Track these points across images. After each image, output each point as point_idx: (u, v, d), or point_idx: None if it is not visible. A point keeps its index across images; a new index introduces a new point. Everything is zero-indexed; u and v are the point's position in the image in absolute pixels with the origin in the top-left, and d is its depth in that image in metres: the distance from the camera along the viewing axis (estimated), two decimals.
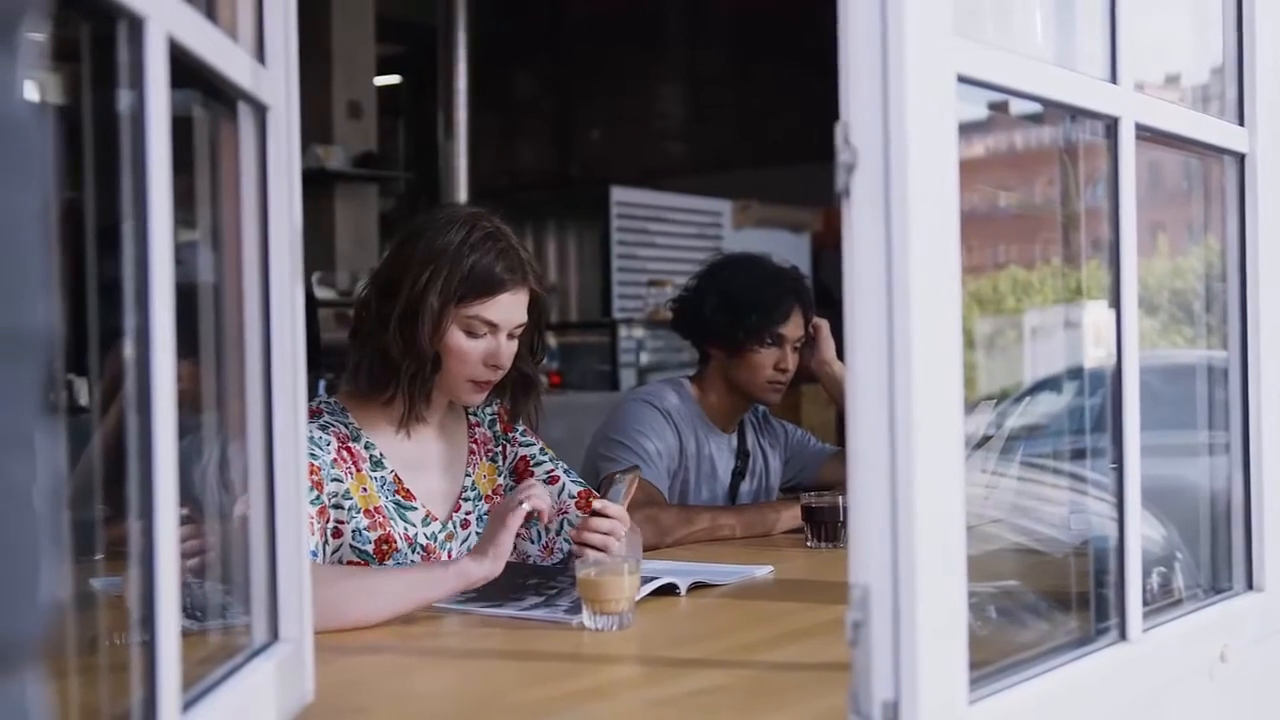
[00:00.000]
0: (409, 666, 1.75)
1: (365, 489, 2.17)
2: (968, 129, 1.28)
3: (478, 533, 2.29)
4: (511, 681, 1.65)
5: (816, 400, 6.37)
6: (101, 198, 1.05)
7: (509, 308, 2.20)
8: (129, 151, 1.00)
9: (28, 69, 0.59)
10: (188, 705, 1.08)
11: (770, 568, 2.36)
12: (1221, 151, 1.78)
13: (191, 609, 1.30)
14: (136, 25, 0.99)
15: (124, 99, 1.01)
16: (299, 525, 1.39)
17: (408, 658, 1.79)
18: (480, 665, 1.75)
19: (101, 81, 1.05)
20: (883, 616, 1.17)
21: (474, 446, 2.36)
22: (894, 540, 1.17)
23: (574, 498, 2.33)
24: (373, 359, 2.19)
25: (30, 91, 0.60)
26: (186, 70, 1.11)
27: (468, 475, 2.33)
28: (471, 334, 2.18)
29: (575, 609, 1.91)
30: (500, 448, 2.39)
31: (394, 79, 9.98)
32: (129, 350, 1.00)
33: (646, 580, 2.03)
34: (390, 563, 2.16)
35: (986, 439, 2.10)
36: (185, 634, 1.06)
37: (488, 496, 2.34)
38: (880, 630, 1.17)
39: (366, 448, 2.21)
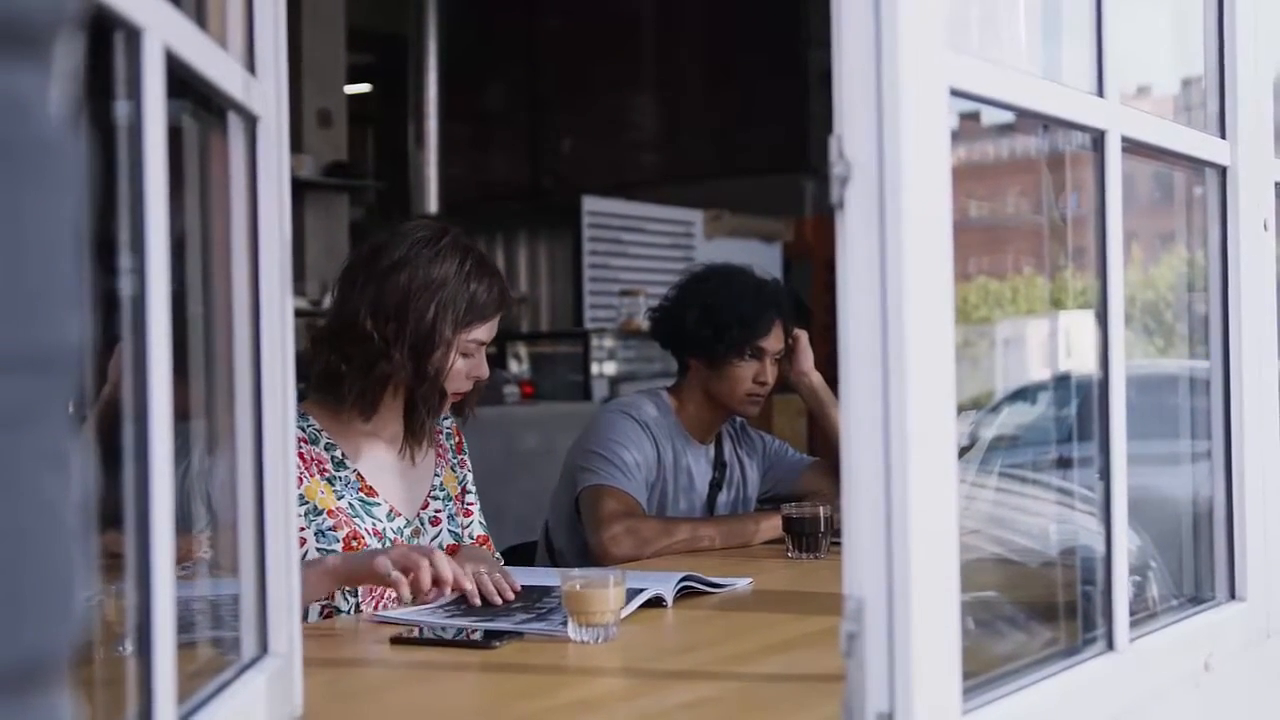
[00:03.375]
0: (396, 681, 1.74)
1: (323, 492, 2.22)
2: None
3: (450, 530, 2.39)
4: (499, 695, 1.65)
5: (787, 410, 6.38)
6: (93, 207, 1.04)
7: (495, 326, 2.33)
8: (126, 161, 0.99)
9: (61, 84, 0.59)
10: None
11: (750, 580, 2.35)
12: (1203, 164, 1.79)
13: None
14: (134, 36, 0.98)
15: (120, 109, 1.01)
16: (288, 539, 1.38)
17: (395, 672, 1.78)
18: (467, 679, 1.74)
19: (95, 91, 1.04)
20: (877, 628, 1.17)
21: (440, 450, 2.44)
22: (888, 552, 1.17)
23: (473, 539, 2.42)
24: (373, 382, 2.24)
25: (63, 106, 0.60)
26: (179, 80, 1.10)
27: (436, 475, 2.41)
28: (465, 355, 2.29)
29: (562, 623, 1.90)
30: (458, 459, 2.49)
31: (364, 87, 9.96)
32: (126, 360, 0.99)
33: (634, 592, 2.03)
34: None
35: (964, 450, 2.11)
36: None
37: (456, 498, 2.43)
38: (875, 642, 1.17)
39: (327, 449, 2.26)
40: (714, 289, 3.01)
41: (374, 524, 2.25)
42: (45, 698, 0.57)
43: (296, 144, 7.38)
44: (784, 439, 3.40)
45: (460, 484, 2.46)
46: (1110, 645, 1.51)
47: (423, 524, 2.36)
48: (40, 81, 0.58)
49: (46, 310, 0.57)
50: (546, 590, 2.16)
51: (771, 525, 2.80)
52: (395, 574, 1.96)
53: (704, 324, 2.96)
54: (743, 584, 2.33)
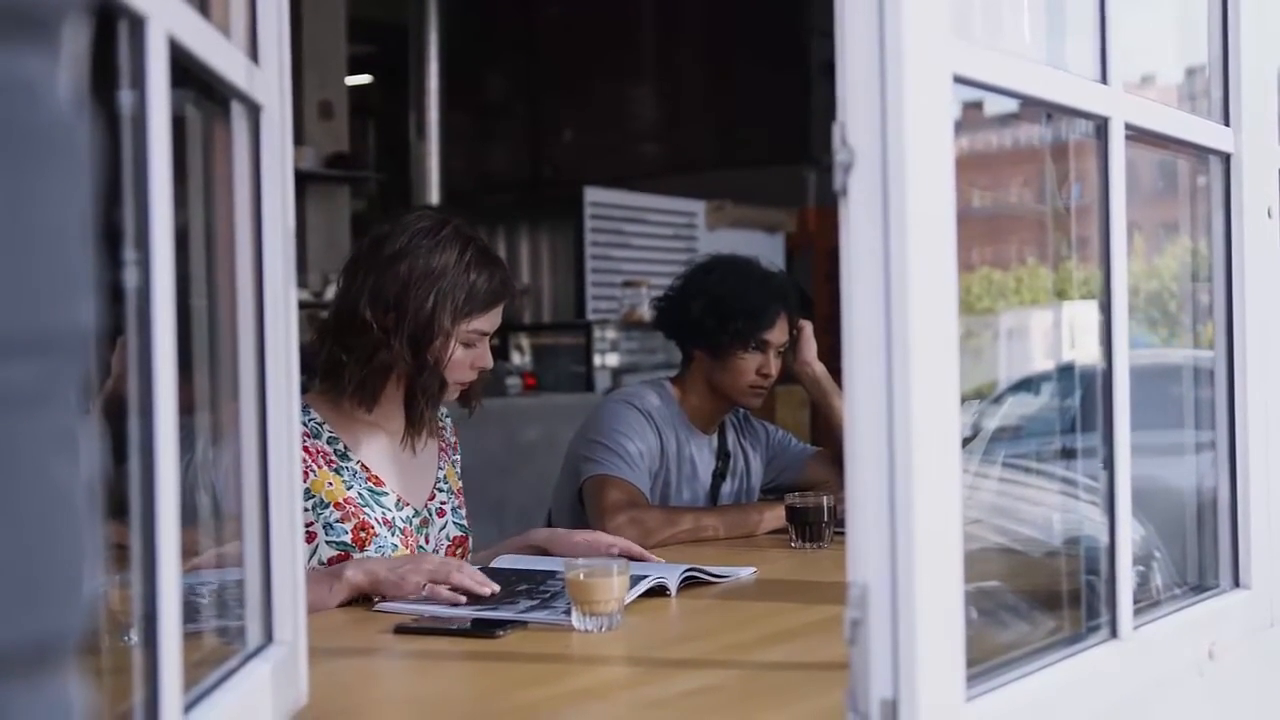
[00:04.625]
0: (401, 669, 1.74)
1: (331, 483, 2.23)
2: None
3: (454, 522, 2.40)
4: (503, 683, 1.65)
5: (790, 402, 6.39)
6: (98, 197, 1.04)
7: (498, 316, 2.32)
8: (130, 151, 0.99)
9: (70, 69, 0.59)
10: (188, 708, 1.07)
11: (754, 569, 2.36)
12: (1208, 151, 1.79)
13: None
14: (137, 24, 0.98)
15: (124, 98, 1.00)
16: (293, 528, 1.39)
17: (400, 660, 1.78)
18: (472, 667, 1.74)
19: (99, 80, 1.04)
20: (881, 615, 1.17)
21: (443, 445, 2.46)
22: (892, 539, 1.17)
23: (449, 540, 2.40)
24: (372, 372, 2.25)
25: (73, 90, 0.60)
26: (182, 69, 1.10)
27: (440, 469, 2.42)
28: (468, 345, 2.29)
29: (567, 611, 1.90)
30: (455, 457, 2.50)
31: (365, 79, 9.96)
32: (130, 352, 0.99)
33: (637, 579, 2.03)
34: (371, 548, 2.22)
35: (967, 440, 2.11)
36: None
37: (457, 492, 2.45)
38: (878, 628, 1.18)
39: (330, 442, 2.27)
40: (719, 280, 3.00)
41: (383, 513, 2.26)
42: (55, 680, 0.57)
43: (298, 136, 7.34)
44: (787, 429, 3.40)
45: (458, 480, 2.47)
46: (1114, 633, 1.51)
47: (431, 515, 2.37)
48: (48, 66, 0.58)
49: (55, 294, 0.57)
50: (550, 574, 2.16)
51: (775, 515, 2.80)
52: (432, 587, 2.01)
53: (709, 315, 2.95)
54: (746, 573, 2.33)
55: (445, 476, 2.43)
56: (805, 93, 8.65)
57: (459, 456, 2.52)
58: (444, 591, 2.00)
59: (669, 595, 2.11)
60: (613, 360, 7.29)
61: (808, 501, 2.66)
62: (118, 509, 1.03)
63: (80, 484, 0.59)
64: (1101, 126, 1.51)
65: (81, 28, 0.63)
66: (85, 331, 0.60)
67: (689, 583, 2.19)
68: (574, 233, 7.89)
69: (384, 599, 2.05)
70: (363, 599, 2.15)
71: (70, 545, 0.58)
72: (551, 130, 10.14)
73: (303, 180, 7.36)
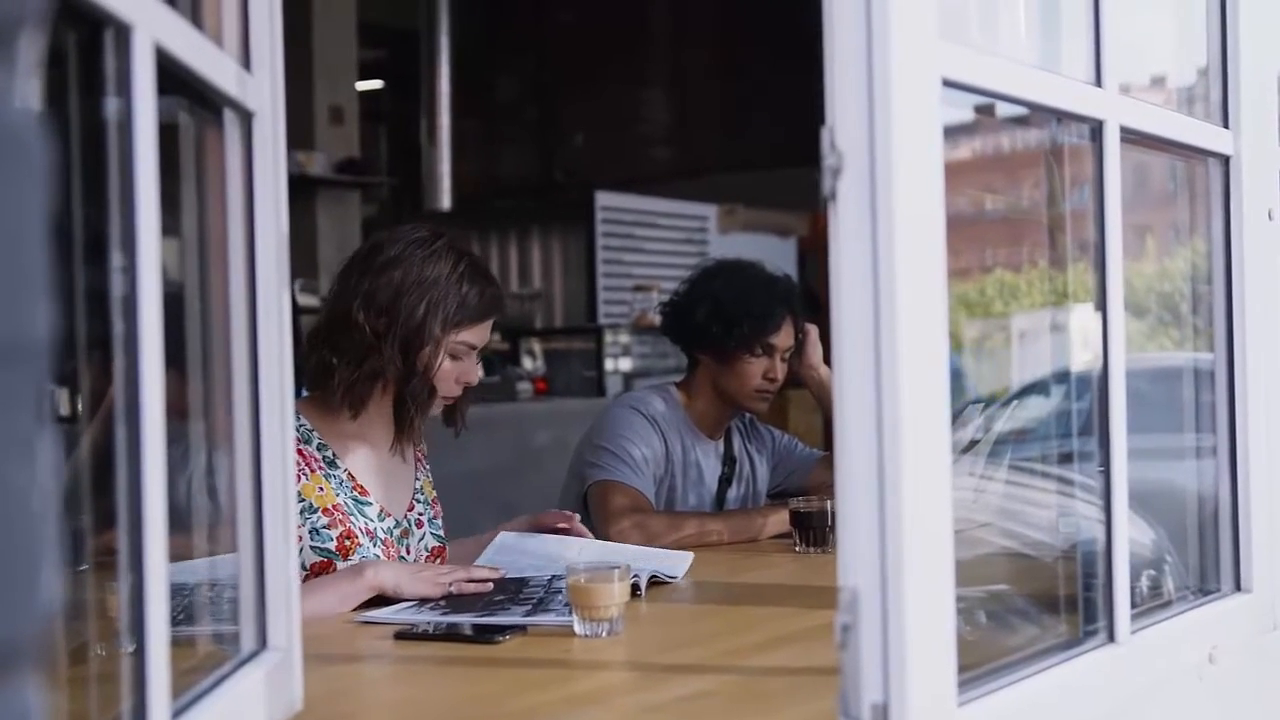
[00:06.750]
0: (397, 675, 1.75)
1: (321, 489, 2.25)
2: (953, 132, 1.29)
3: (432, 533, 2.43)
4: (502, 688, 1.65)
5: (803, 405, 6.37)
6: (85, 205, 1.04)
7: (487, 331, 2.36)
8: (116, 159, 1.00)
9: (27, 77, 0.59)
10: (177, 713, 1.08)
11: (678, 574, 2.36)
12: (1206, 154, 1.78)
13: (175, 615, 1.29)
14: (123, 33, 0.99)
15: (110, 106, 1.01)
16: (287, 533, 1.39)
17: (396, 666, 1.78)
18: (469, 673, 1.74)
19: (86, 88, 1.04)
20: (871, 619, 1.17)
21: (419, 455, 2.48)
22: (882, 543, 1.17)
23: (428, 551, 2.42)
24: (362, 377, 2.26)
25: (29, 99, 0.60)
26: (171, 77, 1.11)
27: (417, 479, 2.45)
28: (454, 357, 2.31)
29: (568, 611, 1.90)
30: (427, 466, 2.52)
31: (376, 84, 9.97)
32: (118, 359, 0.99)
33: None
34: (355, 557, 2.24)
35: (974, 443, 2.10)
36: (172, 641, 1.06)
37: (433, 502, 2.48)
38: (869, 633, 1.17)
39: (319, 449, 2.29)
40: (724, 284, 3.00)
41: (366, 523, 2.28)
42: (13, 684, 0.57)
43: (308, 141, 7.39)
44: (799, 434, 3.39)
45: (433, 490, 2.49)
46: (1111, 637, 1.51)
47: (410, 525, 2.39)
48: (4, 75, 0.58)
49: (12, 301, 0.57)
50: (524, 582, 2.19)
51: (778, 519, 2.80)
52: (459, 584, 2.13)
53: (714, 320, 2.95)
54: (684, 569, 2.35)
55: (422, 488, 2.45)
56: (816, 95, 8.62)
57: (429, 466, 2.53)
58: (469, 586, 2.12)
59: (640, 596, 2.12)
60: (624, 365, 7.28)
61: (811, 506, 2.66)
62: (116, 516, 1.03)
63: (38, 490, 0.59)
64: (1096, 130, 1.51)
65: (39, 37, 0.63)
66: (43, 338, 0.60)
67: (694, 585, 2.22)
68: (585, 237, 7.90)
69: (392, 603, 2.07)
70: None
71: (28, 551, 0.58)
72: (562, 134, 10.12)
73: (313, 185, 7.37)
